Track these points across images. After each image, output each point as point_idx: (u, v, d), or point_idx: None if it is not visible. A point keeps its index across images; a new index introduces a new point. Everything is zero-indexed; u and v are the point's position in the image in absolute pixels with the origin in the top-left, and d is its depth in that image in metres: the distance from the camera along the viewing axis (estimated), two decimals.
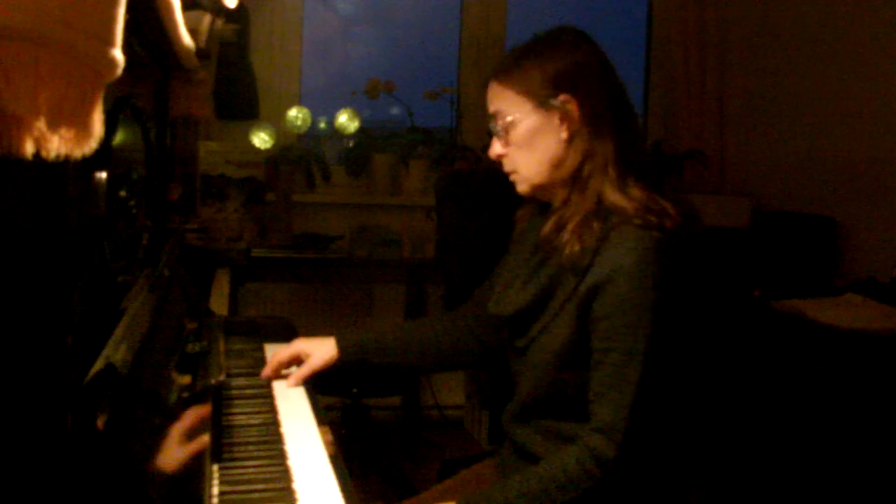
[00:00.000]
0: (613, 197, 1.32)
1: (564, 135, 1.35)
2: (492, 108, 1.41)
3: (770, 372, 2.42)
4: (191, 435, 1.09)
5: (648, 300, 1.25)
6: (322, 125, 3.48)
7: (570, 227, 1.32)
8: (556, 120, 1.35)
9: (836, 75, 3.13)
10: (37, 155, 0.58)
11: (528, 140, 1.37)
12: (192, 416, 1.14)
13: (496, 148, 1.42)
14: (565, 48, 1.38)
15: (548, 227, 1.36)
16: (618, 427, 1.25)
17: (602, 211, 1.32)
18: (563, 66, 1.36)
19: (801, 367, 2.32)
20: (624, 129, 1.37)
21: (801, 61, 3.29)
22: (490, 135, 1.46)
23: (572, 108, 1.34)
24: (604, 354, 1.28)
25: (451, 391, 3.52)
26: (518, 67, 1.38)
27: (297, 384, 1.57)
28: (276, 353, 1.64)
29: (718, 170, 3.61)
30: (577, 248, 1.31)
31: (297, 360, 1.62)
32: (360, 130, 3.33)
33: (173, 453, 1.01)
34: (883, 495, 2.08)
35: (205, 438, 1.11)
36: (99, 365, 0.85)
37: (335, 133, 3.34)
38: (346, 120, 3.25)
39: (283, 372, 1.62)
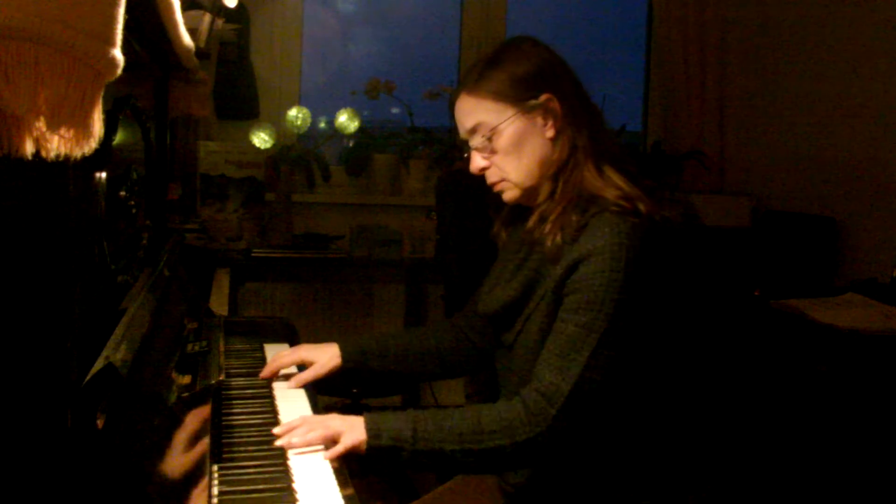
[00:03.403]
0: (594, 185, 1.35)
1: (550, 133, 1.37)
2: (469, 122, 1.40)
3: (770, 372, 2.42)
4: (191, 435, 1.09)
5: (618, 281, 1.26)
6: (322, 125, 3.48)
7: (552, 218, 1.35)
8: (539, 120, 1.37)
9: (836, 75, 3.13)
10: (37, 155, 0.58)
11: (515, 145, 1.37)
12: (192, 416, 1.14)
13: (478, 161, 1.41)
14: (527, 52, 1.40)
15: (532, 221, 1.38)
16: (561, 392, 1.25)
17: (581, 202, 1.34)
18: (531, 67, 1.38)
19: (801, 367, 2.31)
20: (595, 122, 1.40)
21: (801, 61, 3.29)
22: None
23: (555, 105, 1.36)
24: (563, 324, 1.29)
25: (451, 391, 3.52)
26: (487, 78, 1.38)
27: (297, 387, 1.57)
28: (279, 355, 1.64)
29: (718, 170, 3.61)
30: (558, 238, 1.33)
31: (299, 367, 1.62)
32: (360, 130, 3.33)
33: (173, 453, 1.01)
34: (883, 495, 2.08)
35: (205, 438, 1.11)
36: (99, 365, 0.85)
37: (335, 133, 3.34)
38: (346, 120, 3.25)
39: (283, 373, 1.62)
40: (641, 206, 1.31)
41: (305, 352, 1.63)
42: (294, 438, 1.25)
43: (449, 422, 1.27)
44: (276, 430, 1.28)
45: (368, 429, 1.26)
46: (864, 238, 2.99)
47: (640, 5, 3.85)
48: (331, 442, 1.26)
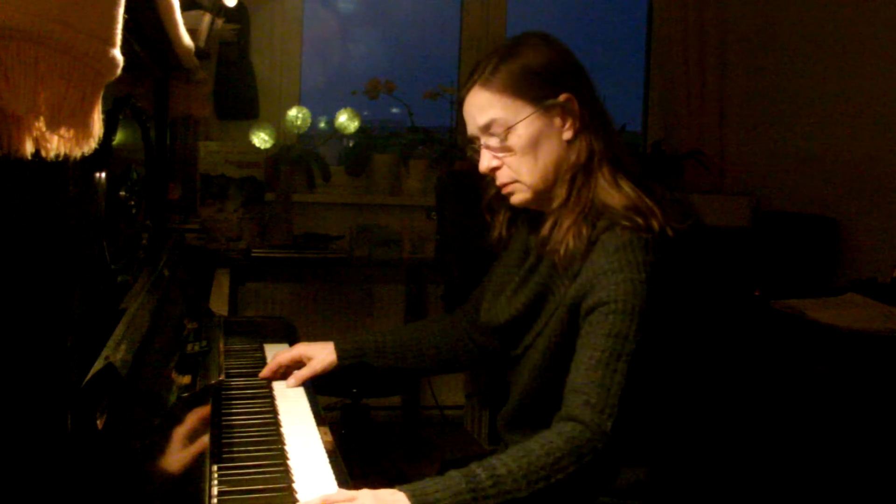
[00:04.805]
0: (605, 194, 1.30)
1: (568, 135, 1.32)
2: (482, 118, 1.34)
3: (770, 372, 2.42)
4: (191, 435, 1.09)
5: (640, 293, 1.21)
6: (322, 125, 3.48)
7: (565, 225, 1.30)
8: (557, 121, 1.32)
9: (836, 75, 3.13)
10: (37, 155, 0.58)
11: (531, 145, 1.31)
12: (191, 416, 1.14)
13: (489, 160, 1.35)
14: (541, 46, 1.34)
15: (545, 228, 1.33)
16: (611, 404, 1.17)
17: (591, 213, 1.30)
18: (546, 62, 1.32)
19: (801, 367, 2.31)
20: (608, 126, 1.36)
21: (801, 61, 3.29)
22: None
23: (574, 106, 1.32)
24: (593, 337, 1.22)
25: (451, 391, 3.52)
26: (503, 72, 1.32)
27: (296, 385, 1.58)
28: (276, 354, 1.65)
29: (718, 170, 3.61)
30: (571, 246, 1.28)
31: (298, 363, 1.62)
32: (360, 130, 3.33)
33: (173, 453, 1.01)
34: (883, 495, 2.08)
35: (205, 438, 1.11)
36: (99, 365, 0.85)
37: (335, 133, 3.34)
38: (346, 120, 3.25)
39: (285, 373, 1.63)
40: (654, 222, 1.26)
41: (303, 349, 1.63)
42: None
43: (502, 469, 1.12)
44: None
45: (418, 502, 1.08)
46: (864, 238, 2.99)
47: (640, 5, 3.85)
48: None
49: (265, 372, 1.59)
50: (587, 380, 1.19)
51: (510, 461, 1.13)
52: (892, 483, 2.07)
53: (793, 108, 3.32)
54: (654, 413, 1.37)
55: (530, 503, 1.11)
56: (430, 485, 1.11)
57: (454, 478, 1.11)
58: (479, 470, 1.12)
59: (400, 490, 1.10)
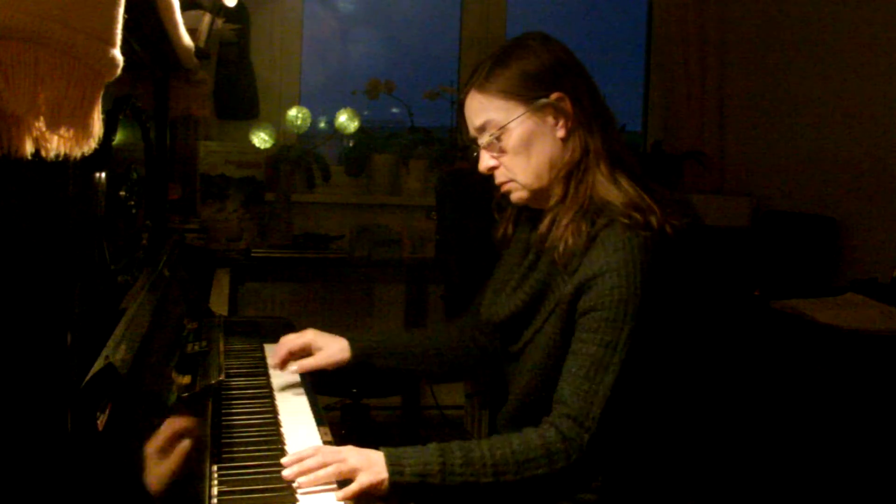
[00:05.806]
0: (604, 191, 1.32)
1: (561, 133, 1.34)
2: (478, 120, 1.37)
3: (770, 372, 2.42)
4: (191, 435, 1.09)
5: (634, 298, 1.24)
6: (322, 125, 3.48)
7: (564, 222, 1.32)
8: (549, 119, 1.34)
9: (836, 75, 3.13)
10: (37, 155, 0.58)
11: (524, 145, 1.34)
12: (192, 416, 1.14)
13: (487, 160, 1.38)
14: (538, 48, 1.36)
15: (544, 225, 1.35)
16: (593, 416, 1.22)
17: (591, 210, 1.32)
18: (542, 64, 1.34)
19: (801, 367, 2.31)
20: (607, 124, 1.37)
21: (801, 61, 3.29)
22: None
23: (566, 105, 1.34)
24: (582, 344, 1.26)
25: (451, 391, 3.52)
26: (497, 75, 1.35)
27: (299, 371, 1.56)
28: (285, 339, 1.60)
29: (718, 170, 3.60)
30: (570, 242, 1.30)
31: (306, 352, 1.59)
32: (360, 130, 3.33)
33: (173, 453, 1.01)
34: (883, 495, 2.08)
35: (205, 439, 1.11)
36: (99, 365, 0.85)
37: (335, 133, 3.34)
38: (345, 120, 3.25)
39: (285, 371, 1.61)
40: (653, 220, 1.28)
41: (313, 337, 1.58)
42: (303, 478, 1.14)
43: (477, 453, 1.20)
44: (284, 461, 1.17)
45: (390, 464, 1.18)
46: (864, 238, 2.99)
47: (640, 5, 3.85)
48: (346, 479, 1.16)
49: (275, 360, 1.57)
50: (572, 391, 1.24)
51: (486, 449, 1.21)
52: (893, 483, 2.07)
53: (793, 108, 3.32)
54: (649, 416, 1.38)
55: (492, 491, 1.19)
56: (408, 451, 1.21)
57: (431, 450, 1.21)
58: (455, 449, 1.21)
59: (380, 450, 1.21)
